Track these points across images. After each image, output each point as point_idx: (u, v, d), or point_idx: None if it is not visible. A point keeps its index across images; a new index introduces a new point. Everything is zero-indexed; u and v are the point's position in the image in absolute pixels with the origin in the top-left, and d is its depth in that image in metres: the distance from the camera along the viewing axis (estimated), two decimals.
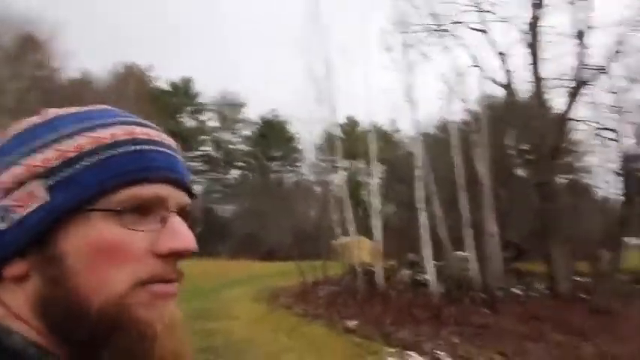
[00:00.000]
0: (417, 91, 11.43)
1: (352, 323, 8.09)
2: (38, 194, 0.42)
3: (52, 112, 0.48)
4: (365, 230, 13.43)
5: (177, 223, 0.46)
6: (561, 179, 14.41)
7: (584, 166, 16.25)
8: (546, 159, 11.86)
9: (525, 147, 14.89)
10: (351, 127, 32.51)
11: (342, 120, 27.76)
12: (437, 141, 17.39)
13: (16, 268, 0.42)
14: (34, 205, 0.42)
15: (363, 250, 13.07)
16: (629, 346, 6.62)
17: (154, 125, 0.51)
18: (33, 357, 0.41)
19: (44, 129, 0.45)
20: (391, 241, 12.90)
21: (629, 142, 11.99)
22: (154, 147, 0.47)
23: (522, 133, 14.15)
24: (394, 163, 20.61)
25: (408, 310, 8.80)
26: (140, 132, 0.48)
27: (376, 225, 11.44)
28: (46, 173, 0.43)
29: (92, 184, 0.43)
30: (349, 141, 22.49)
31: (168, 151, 0.49)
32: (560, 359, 6.40)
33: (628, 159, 11.50)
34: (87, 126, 0.45)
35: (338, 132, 14.61)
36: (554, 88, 12.48)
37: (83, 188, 0.42)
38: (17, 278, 0.43)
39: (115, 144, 0.45)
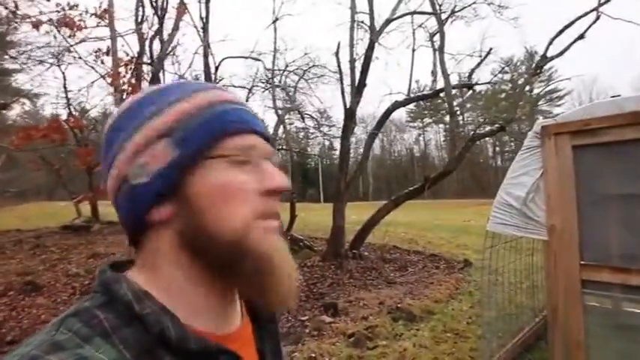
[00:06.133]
0: None
1: None
2: (167, 150, 0.49)
3: (148, 89, 0.55)
4: None
5: (271, 166, 0.54)
6: None
7: None
8: None
9: None
10: None
11: None
12: None
13: (163, 211, 0.50)
14: (167, 159, 0.49)
15: None
16: None
17: (230, 91, 0.58)
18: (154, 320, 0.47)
19: (153, 99, 0.53)
20: None
21: None
22: (239, 106, 0.55)
23: None
24: None
25: None
26: (226, 95, 0.55)
27: None
28: (168, 132, 0.50)
29: (204, 138, 0.50)
30: None
31: (249, 109, 0.57)
32: None
33: None
34: (184, 94, 0.53)
35: None
36: None
37: (198, 142, 0.50)
38: (165, 220, 0.51)
39: (211, 104, 0.52)
